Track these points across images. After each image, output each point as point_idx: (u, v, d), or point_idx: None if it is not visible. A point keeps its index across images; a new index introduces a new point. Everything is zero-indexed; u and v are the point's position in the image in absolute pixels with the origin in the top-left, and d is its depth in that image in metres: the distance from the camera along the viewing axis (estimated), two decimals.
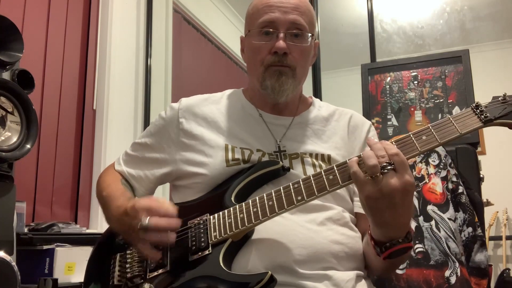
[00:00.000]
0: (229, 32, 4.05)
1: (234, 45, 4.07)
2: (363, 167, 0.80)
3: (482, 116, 0.82)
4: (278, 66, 1.04)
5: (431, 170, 1.52)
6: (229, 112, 1.12)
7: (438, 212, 1.48)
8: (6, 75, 1.41)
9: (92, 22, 2.61)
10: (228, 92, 1.20)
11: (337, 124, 1.13)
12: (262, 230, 0.92)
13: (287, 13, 1.04)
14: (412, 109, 2.08)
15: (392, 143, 0.83)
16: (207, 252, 0.90)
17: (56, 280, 1.53)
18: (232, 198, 0.96)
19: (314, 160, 1.04)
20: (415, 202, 1.50)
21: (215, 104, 1.14)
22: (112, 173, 1.18)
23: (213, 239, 0.91)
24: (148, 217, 0.89)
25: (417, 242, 1.46)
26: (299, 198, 0.86)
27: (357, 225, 1.05)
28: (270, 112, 1.11)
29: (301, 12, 1.06)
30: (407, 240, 0.84)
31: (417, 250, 1.45)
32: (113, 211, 1.02)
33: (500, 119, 0.82)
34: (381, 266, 0.96)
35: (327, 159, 1.05)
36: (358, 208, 1.05)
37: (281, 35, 1.03)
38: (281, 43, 1.02)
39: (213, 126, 1.09)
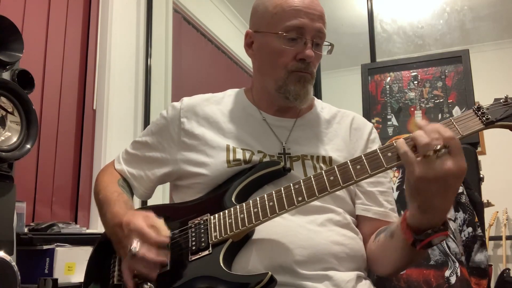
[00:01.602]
0: (229, 32, 4.05)
1: (234, 45, 4.07)
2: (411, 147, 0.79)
3: (484, 118, 0.82)
4: (303, 72, 1.04)
5: None
6: (231, 113, 1.12)
7: None
8: (6, 75, 1.41)
9: (92, 22, 2.61)
10: (229, 92, 1.19)
11: (339, 126, 1.13)
12: (263, 231, 0.92)
13: (314, 20, 1.03)
14: (412, 109, 2.08)
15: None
16: (207, 252, 0.90)
17: (56, 280, 1.53)
18: (233, 199, 0.96)
19: (315, 163, 1.04)
20: None
21: (217, 104, 1.14)
22: (111, 173, 1.17)
23: (213, 239, 0.91)
24: (139, 244, 0.89)
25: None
26: (300, 198, 0.86)
27: (358, 228, 1.05)
28: (273, 114, 1.11)
29: (324, 20, 1.06)
30: (445, 228, 0.83)
31: None
32: (108, 218, 1.02)
33: (501, 121, 0.82)
34: (402, 260, 0.93)
35: (328, 161, 1.05)
36: (361, 210, 1.05)
37: (309, 43, 1.03)
38: (311, 52, 1.02)
39: (215, 127, 1.08)
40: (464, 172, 0.77)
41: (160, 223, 0.94)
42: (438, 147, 0.76)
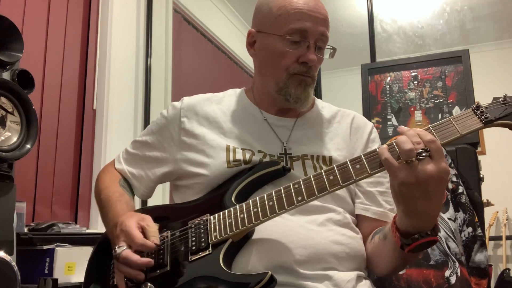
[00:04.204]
0: (229, 32, 4.05)
1: (234, 45, 4.07)
2: (395, 154, 0.80)
3: (483, 117, 0.82)
4: (304, 76, 1.04)
5: None
6: (231, 113, 1.12)
7: None
8: (6, 75, 1.41)
9: (92, 22, 2.61)
10: (230, 92, 1.19)
11: (339, 125, 1.13)
12: (263, 230, 0.92)
13: (318, 24, 1.02)
14: (412, 109, 2.08)
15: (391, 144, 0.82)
16: (207, 252, 0.90)
17: (56, 280, 1.52)
18: (233, 199, 0.96)
19: (315, 162, 1.04)
20: None
21: (217, 104, 1.14)
22: (111, 173, 1.17)
23: (213, 239, 0.91)
24: (123, 246, 0.90)
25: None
26: (300, 198, 0.86)
27: (358, 227, 1.05)
28: (274, 114, 1.11)
29: (327, 24, 1.05)
30: (434, 233, 0.83)
31: None
32: (109, 218, 1.03)
33: (500, 120, 0.82)
34: (396, 262, 0.94)
35: (328, 161, 1.05)
36: (360, 210, 1.05)
37: (312, 47, 1.02)
38: (313, 56, 1.02)
39: (215, 126, 1.08)
40: (445, 175, 0.78)
41: (153, 227, 0.94)
42: (419, 151, 0.77)
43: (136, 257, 0.89)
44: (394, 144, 0.81)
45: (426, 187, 0.77)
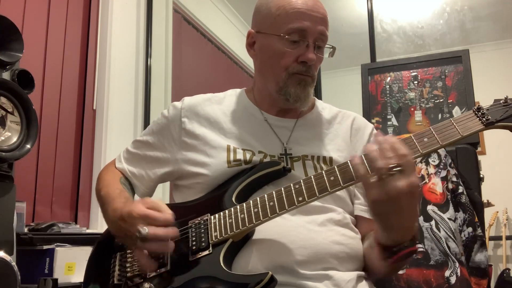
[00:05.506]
0: (229, 32, 4.05)
1: (234, 45, 4.07)
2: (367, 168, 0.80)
3: (484, 119, 0.82)
4: (304, 75, 1.04)
5: (431, 170, 1.52)
6: (232, 113, 1.12)
7: (438, 212, 1.48)
8: (6, 75, 1.41)
9: (92, 22, 2.61)
10: (230, 92, 1.19)
11: (339, 126, 1.13)
12: (263, 231, 0.92)
13: (317, 23, 1.02)
14: (412, 109, 2.08)
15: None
16: (207, 252, 0.90)
17: (56, 280, 1.52)
18: (233, 199, 0.96)
19: (316, 163, 1.04)
20: None
21: (218, 104, 1.14)
22: (112, 171, 1.18)
23: (213, 239, 0.91)
24: (146, 227, 0.89)
25: (417, 242, 1.45)
26: (300, 198, 0.86)
27: (357, 227, 1.05)
28: (275, 114, 1.11)
29: (326, 23, 1.05)
30: (413, 243, 0.84)
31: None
32: (110, 215, 1.02)
33: (501, 122, 0.82)
34: (385, 270, 0.94)
35: (328, 161, 1.05)
36: (359, 211, 1.06)
37: (311, 46, 1.03)
38: (313, 55, 1.02)
39: (215, 127, 1.09)
40: (415, 189, 0.78)
41: (160, 203, 0.94)
42: (391, 166, 0.76)
43: (163, 230, 0.88)
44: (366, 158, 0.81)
45: (398, 203, 0.77)
